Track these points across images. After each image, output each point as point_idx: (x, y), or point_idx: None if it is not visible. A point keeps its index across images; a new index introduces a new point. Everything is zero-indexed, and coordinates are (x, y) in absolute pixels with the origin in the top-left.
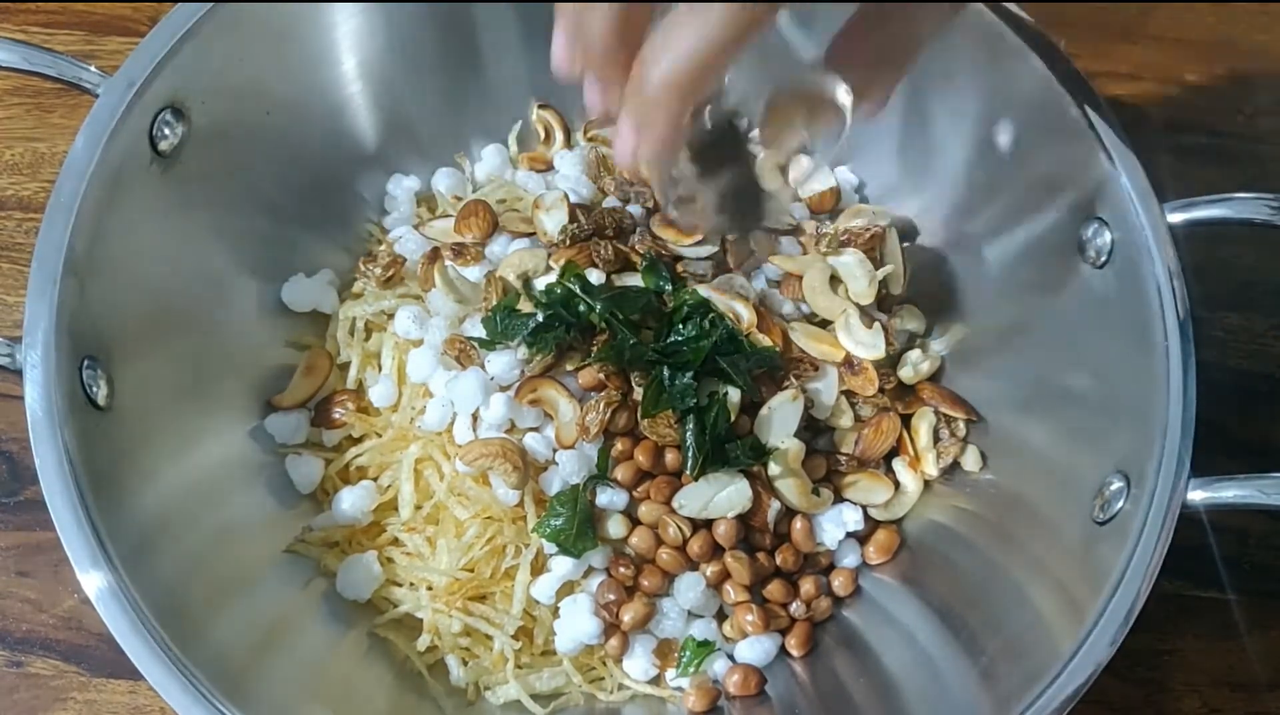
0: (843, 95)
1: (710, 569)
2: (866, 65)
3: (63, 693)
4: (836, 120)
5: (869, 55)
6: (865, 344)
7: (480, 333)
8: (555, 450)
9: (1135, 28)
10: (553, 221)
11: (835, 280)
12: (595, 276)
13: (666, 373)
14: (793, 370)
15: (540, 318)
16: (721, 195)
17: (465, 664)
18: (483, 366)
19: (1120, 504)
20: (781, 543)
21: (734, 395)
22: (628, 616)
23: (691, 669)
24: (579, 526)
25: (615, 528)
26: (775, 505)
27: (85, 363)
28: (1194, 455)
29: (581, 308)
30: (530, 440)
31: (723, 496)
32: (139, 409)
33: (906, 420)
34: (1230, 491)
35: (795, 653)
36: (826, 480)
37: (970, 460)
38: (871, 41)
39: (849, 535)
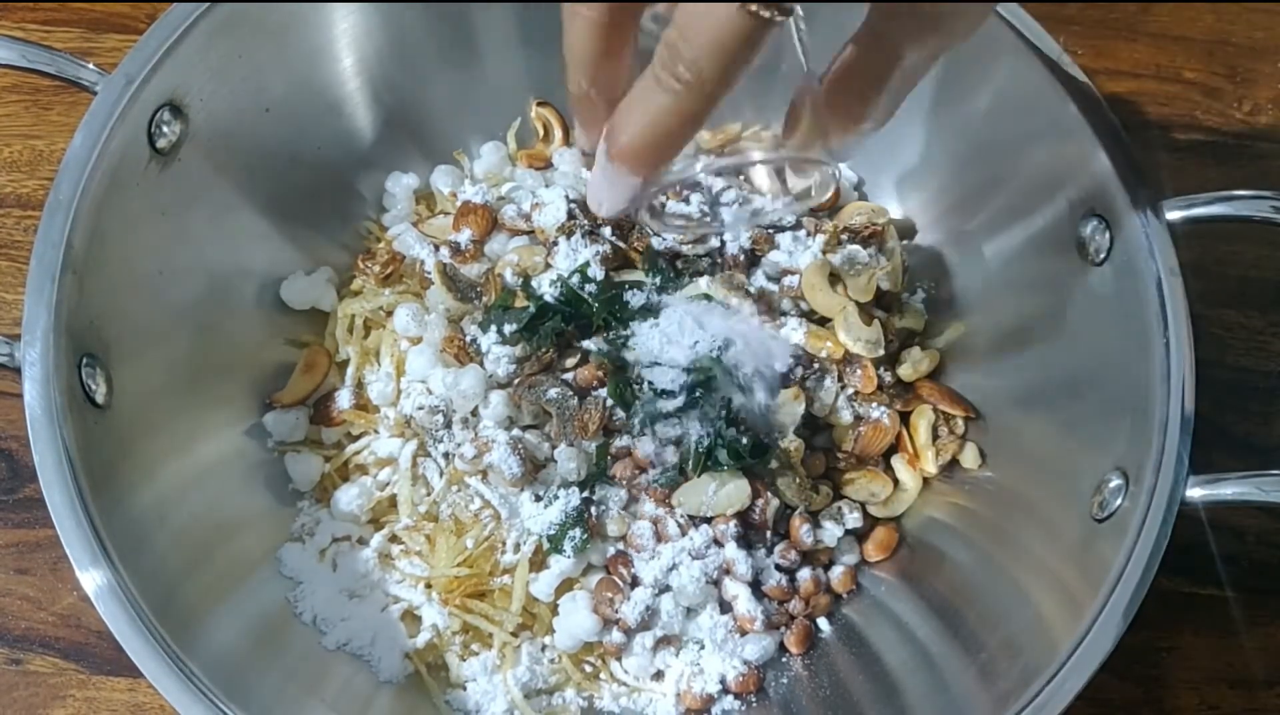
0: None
1: (709, 566)
2: (861, 98)
3: (62, 690)
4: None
5: (863, 87)
6: (864, 341)
7: (478, 332)
8: (554, 448)
9: (1134, 26)
10: (551, 219)
11: (834, 277)
12: (594, 274)
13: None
14: (792, 368)
15: (532, 308)
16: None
17: (464, 661)
18: (481, 364)
19: (1119, 501)
20: (780, 540)
21: (733, 394)
22: (626, 613)
23: None
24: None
25: (614, 525)
26: (774, 502)
27: (84, 360)
28: (1192, 452)
29: (583, 306)
30: (529, 438)
31: (721, 494)
32: (138, 407)
33: (905, 417)
34: (1229, 489)
35: (794, 650)
36: (825, 477)
37: (969, 458)
38: (866, 73)
39: (848, 532)
